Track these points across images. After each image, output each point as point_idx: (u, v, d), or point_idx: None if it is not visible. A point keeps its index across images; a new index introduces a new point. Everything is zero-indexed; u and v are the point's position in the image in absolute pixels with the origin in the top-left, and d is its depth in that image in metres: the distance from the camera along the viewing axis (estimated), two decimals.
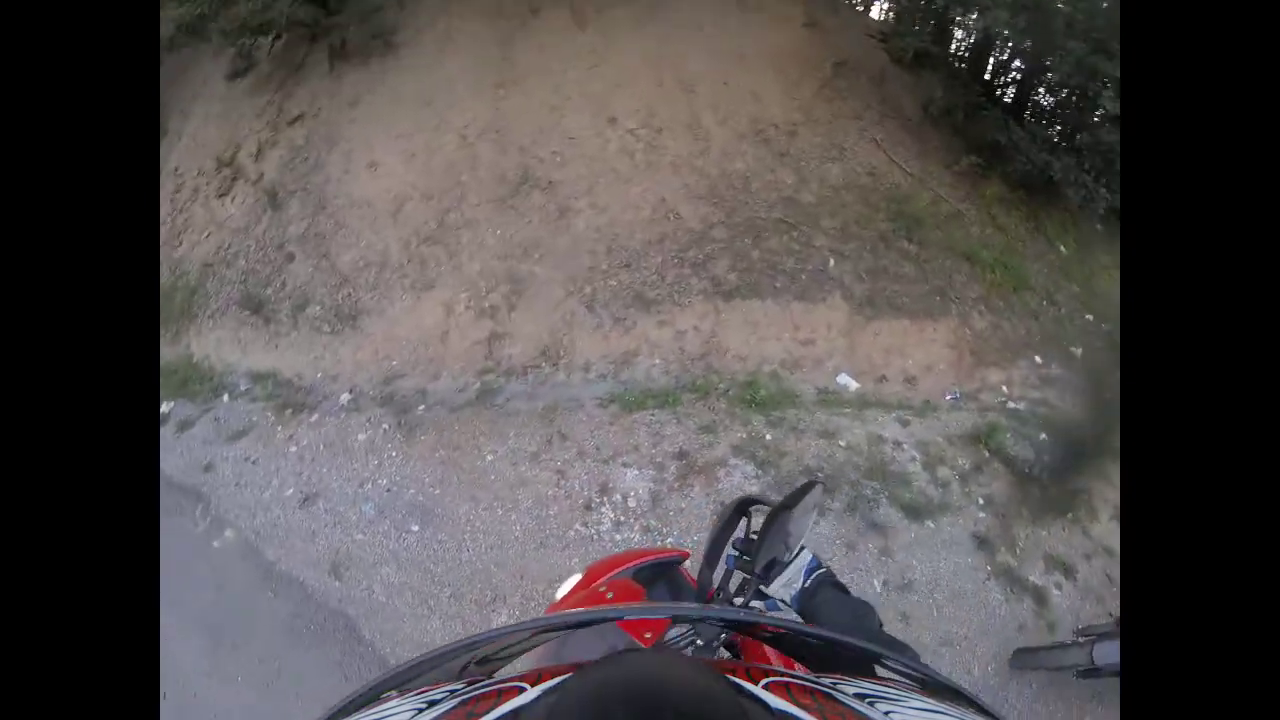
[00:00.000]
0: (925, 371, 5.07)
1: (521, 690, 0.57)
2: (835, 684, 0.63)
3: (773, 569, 1.27)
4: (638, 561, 1.95)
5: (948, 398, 4.92)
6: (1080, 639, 3.22)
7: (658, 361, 4.95)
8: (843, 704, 0.57)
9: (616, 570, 1.87)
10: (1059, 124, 7.81)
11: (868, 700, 0.59)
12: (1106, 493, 4.39)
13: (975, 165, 6.91)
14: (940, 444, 4.34)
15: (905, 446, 4.28)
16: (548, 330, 5.21)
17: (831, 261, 5.54)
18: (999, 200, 6.80)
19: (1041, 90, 8.08)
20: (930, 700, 0.63)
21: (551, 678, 0.59)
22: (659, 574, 1.83)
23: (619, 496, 4.02)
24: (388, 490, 4.30)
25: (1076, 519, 4.22)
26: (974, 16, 7.03)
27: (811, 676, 0.66)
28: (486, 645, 0.79)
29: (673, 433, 4.27)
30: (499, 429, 4.57)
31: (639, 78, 6.70)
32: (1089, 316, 6.25)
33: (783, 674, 0.63)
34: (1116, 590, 3.85)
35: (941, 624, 3.53)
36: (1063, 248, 6.98)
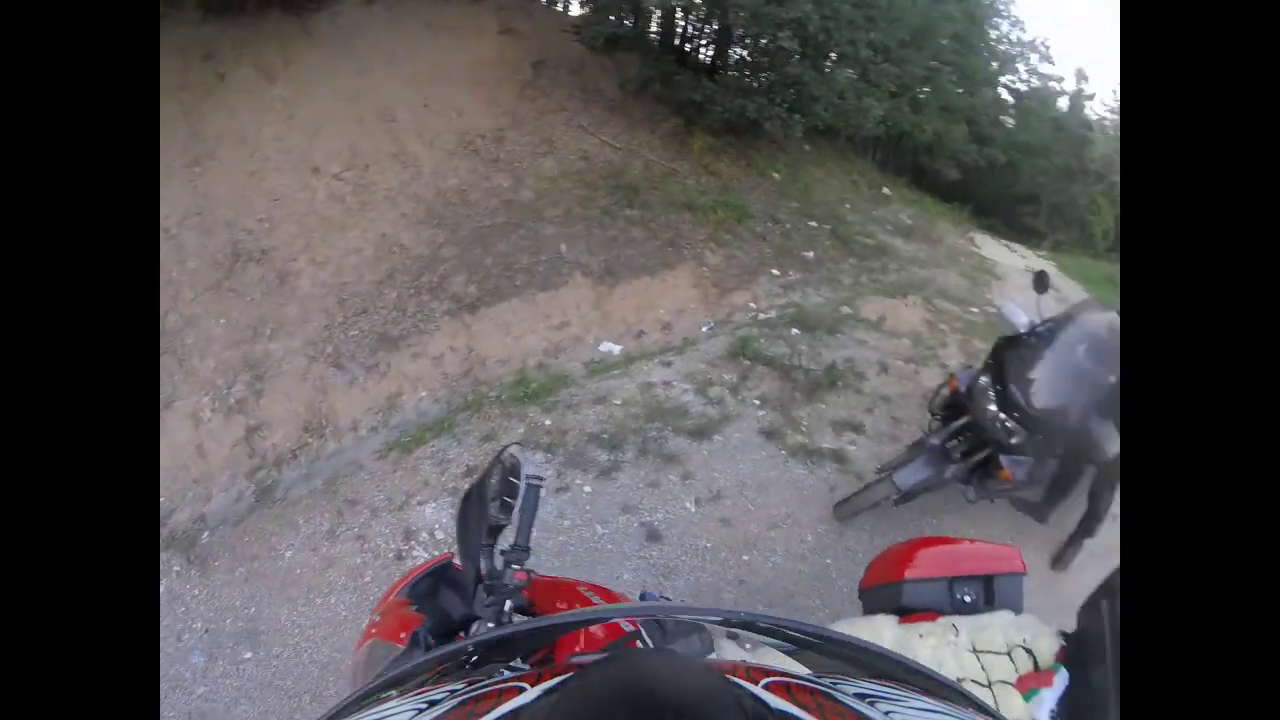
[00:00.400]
0: (678, 315, 5.40)
1: (521, 690, 0.56)
2: (835, 684, 0.62)
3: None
4: (407, 580, 1.89)
5: (703, 329, 5.27)
6: (880, 474, 3.53)
7: (424, 394, 4.81)
8: (843, 704, 0.57)
9: (389, 596, 1.81)
10: (751, 70, 8.70)
11: (868, 700, 0.59)
12: (868, 356, 4.90)
13: (678, 125, 7.51)
14: (704, 370, 4.62)
15: (674, 383, 4.51)
16: (303, 404, 4.86)
17: (563, 246, 5.72)
18: (708, 150, 7.42)
19: (734, 46, 8.99)
20: (930, 700, 0.63)
21: (551, 678, 0.58)
22: (437, 582, 1.77)
23: (425, 534, 3.83)
24: (206, 632, 3.79)
25: (846, 384, 4.68)
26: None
27: (811, 676, 0.65)
28: (486, 645, 0.78)
29: (456, 455, 4.16)
30: (288, 521, 4.20)
31: (338, 120, 6.54)
32: (811, 223, 7.01)
33: (783, 674, 0.62)
34: (904, 427, 4.29)
35: (762, 513, 3.72)
36: (775, 174, 7.77)
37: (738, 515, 3.70)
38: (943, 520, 3.75)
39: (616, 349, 5.16)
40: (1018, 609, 1.89)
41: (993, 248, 9.87)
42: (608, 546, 3.55)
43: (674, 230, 6.08)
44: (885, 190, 9.81)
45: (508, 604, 1.22)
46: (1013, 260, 9.65)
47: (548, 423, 4.28)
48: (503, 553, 1.29)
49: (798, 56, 7.41)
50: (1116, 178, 14.44)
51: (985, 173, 13.06)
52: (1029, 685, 1.62)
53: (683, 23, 9.18)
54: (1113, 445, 3.01)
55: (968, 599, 1.91)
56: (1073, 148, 14.19)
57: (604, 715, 0.46)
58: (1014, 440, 3.13)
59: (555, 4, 10.39)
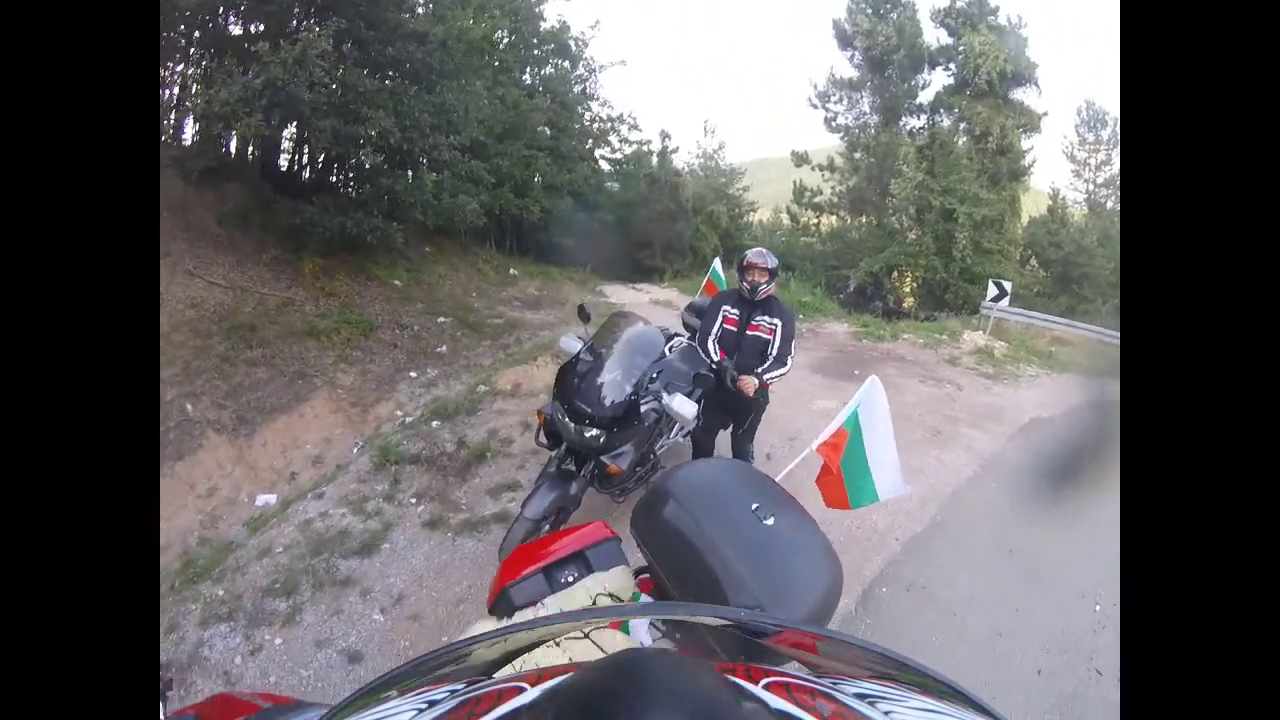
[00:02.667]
0: (326, 445, 5.32)
1: (521, 690, 0.56)
2: (835, 684, 0.62)
3: None
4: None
5: (354, 450, 5.26)
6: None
7: None
8: (843, 704, 0.56)
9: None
10: (347, 188, 8.88)
11: (868, 700, 0.59)
12: (509, 421, 5.29)
13: (286, 253, 7.42)
14: (356, 488, 4.61)
15: (330, 512, 4.43)
16: None
17: (189, 407, 5.31)
18: (320, 272, 7.42)
19: (330, 167, 9.08)
20: (930, 700, 0.63)
21: (551, 678, 0.57)
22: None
23: None
24: None
25: (495, 452, 5.01)
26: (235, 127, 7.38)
27: (812, 676, 0.65)
28: (487, 645, 0.76)
29: None
30: None
31: None
32: (440, 319, 7.36)
33: (783, 674, 0.61)
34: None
35: (446, 595, 3.81)
36: (396, 281, 8.02)
37: (424, 608, 3.74)
38: (618, 524, 4.18)
39: (273, 499, 4.92)
40: (618, 565, 2.07)
41: (621, 293, 11.23)
42: (317, 685, 3.34)
43: (300, 361, 5.98)
44: (512, 270, 10.63)
45: None
46: (638, 297, 11.12)
47: (220, 593, 3.90)
48: None
49: (385, 168, 7.90)
50: (712, 208, 17.57)
51: (601, 232, 14.98)
52: (620, 622, 1.71)
53: (286, 149, 9.21)
54: (689, 408, 3.45)
55: (570, 579, 2.04)
56: (669, 195, 16.67)
57: (604, 715, 0.45)
58: (602, 441, 3.45)
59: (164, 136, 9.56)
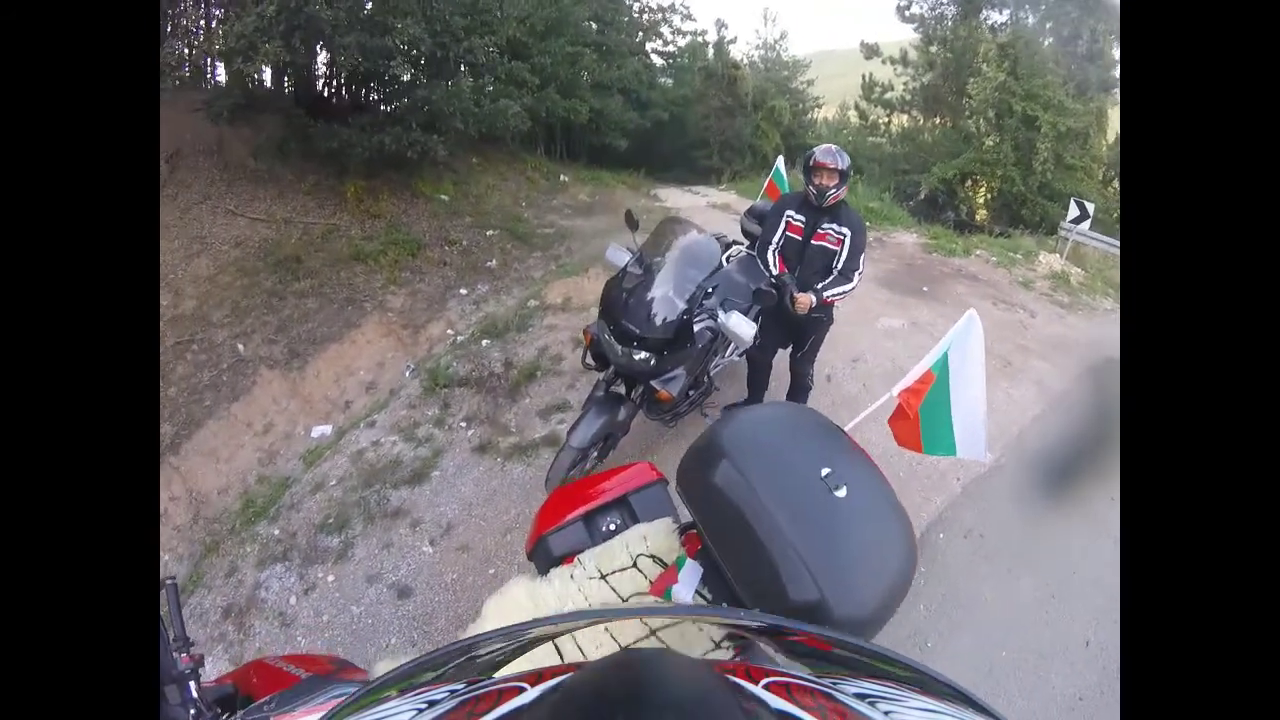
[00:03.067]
0: (379, 370, 5.30)
1: (521, 690, 0.56)
2: (835, 684, 0.62)
3: None
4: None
5: (406, 374, 5.22)
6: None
7: (165, 558, 4.29)
8: (843, 704, 0.56)
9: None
10: (384, 103, 8.60)
11: (868, 700, 0.59)
12: (560, 337, 5.14)
13: (327, 178, 7.28)
14: (407, 414, 4.60)
15: (381, 440, 4.44)
16: None
17: (240, 347, 5.36)
18: (364, 194, 7.28)
19: (364, 85, 8.80)
20: (930, 700, 0.63)
21: (552, 677, 0.57)
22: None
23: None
24: None
25: (544, 371, 4.90)
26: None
27: (812, 676, 0.65)
28: (487, 645, 0.76)
29: (212, 602, 3.74)
30: None
31: None
32: (489, 233, 7.17)
33: (783, 674, 0.61)
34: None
35: (495, 525, 3.79)
36: (443, 196, 7.82)
37: (473, 537, 3.75)
38: (670, 447, 4.10)
39: (329, 429, 4.96)
40: (664, 512, 1.91)
41: (676, 196, 10.77)
42: (367, 622, 3.44)
43: (348, 287, 5.92)
44: (562, 176, 10.27)
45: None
46: (695, 201, 10.63)
47: (276, 533, 4.02)
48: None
49: (420, 79, 7.53)
50: (774, 103, 16.49)
51: (654, 132, 14.29)
52: (663, 587, 1.67)
53: (321, 75, 8.87)
54: (748, 329, 3.18)
55: (612, 526, 1.92)
56: (726, 89, 15.73)
57: (604, 715, 0.46)
58: (652, 364, 3.20)
59: (187, 83, 9.41)
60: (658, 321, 3.17)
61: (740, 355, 4.20)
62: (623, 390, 3.52)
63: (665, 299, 3.21)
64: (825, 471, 1.56)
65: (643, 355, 3.18)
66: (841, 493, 1.54)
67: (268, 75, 8.56)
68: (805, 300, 3.49)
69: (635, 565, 1.73)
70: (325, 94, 8.90)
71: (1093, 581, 3.67)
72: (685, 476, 1.71)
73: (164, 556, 4.42)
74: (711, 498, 1.60)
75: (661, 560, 1.76)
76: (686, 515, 1.87)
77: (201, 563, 4.16)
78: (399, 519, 3.92)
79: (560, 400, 4.64)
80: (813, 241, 3.59)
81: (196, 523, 4.57)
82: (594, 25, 13.50)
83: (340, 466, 4.35)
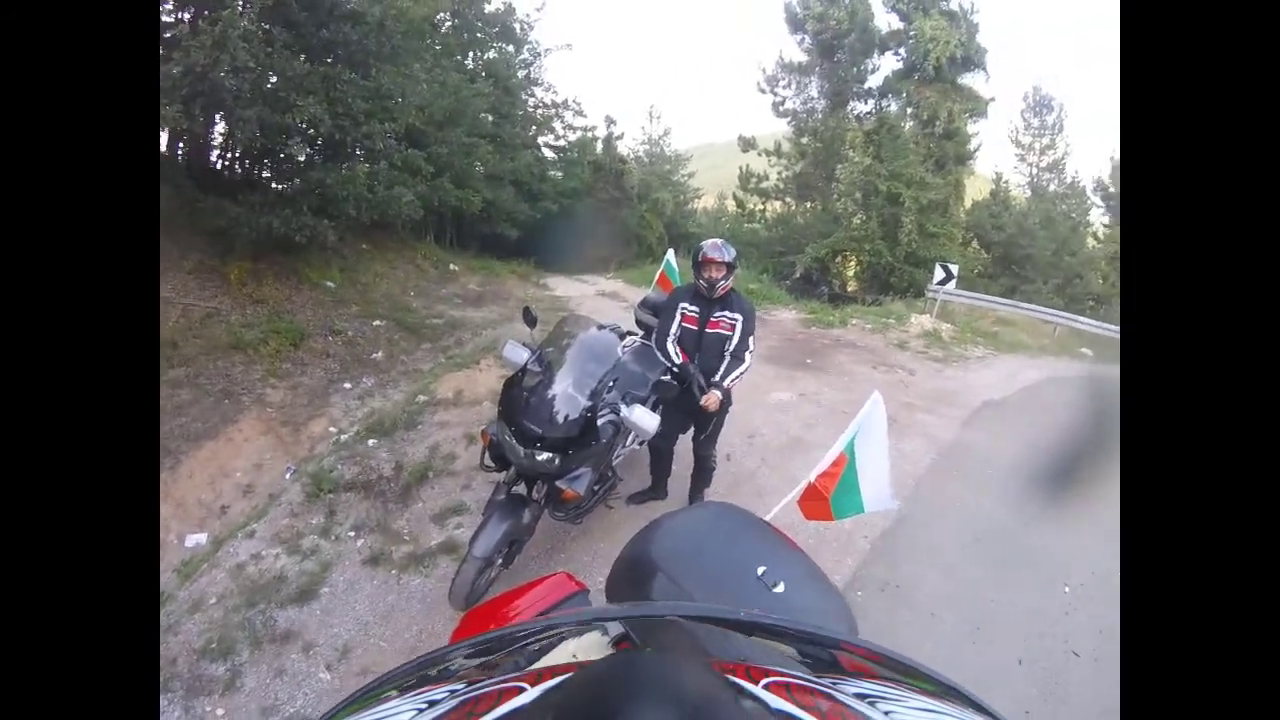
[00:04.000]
0: (257, 471, 4.91)
1: (521, 690, 0.56)
2: (835, 684, 0.62)
3: None
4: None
5: (287, 476, 4.88)
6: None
7: None
8: (843, 704, 0.56)
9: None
10: (277, 182, 8.27)
11: (868, 700, 0.58)
12: (453, 434, 4.97)
13: (210, 257, 6.87)
14: (288, 523, 4.27)
15: (263, 553, 4.07)
16: None
17: None
18: (248, 276, 6.91)
19: (258, 161, 8.43)
20: (930, 700, 0.63)
21: (552, 678, 0.57)
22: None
23: None
24: None
25: (437, 471, 4.73)
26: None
27: (812, 676, 0.64)
28: (487, 646, 0.82)
29: None
30: None
31: None
32: (376, 323, 6.96)
33: (783, 674, 0.61)
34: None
35: (395, 644, 3.54)
36: (329, 283, 7.55)
37: (373, 659, 3.45)
38: (576, 545, 4.02)
39: (204, 538, 4.49)
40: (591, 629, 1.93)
41: (565, 285, 10.97)
42: None
43: (226, 378, 5.52)
44: (452, 265, 10.24)
45: None
46: (584, 289, 10.87)
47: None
48: None
49: (317, 160, 7.38)
50: (658, 195, 17.37)
51: (545, 223, 14.66)
52: None
53: (216, 145, 8.50)
54: (650, 421, 3.22)
55: (535, 648, 1.88)
56: (614, 182, 16.52)
57: (604, 715, 0.45)
58: (556, 464, 3.13)
59: None
60: (560, 420, 3.14)
61: (640, 444, 4.26)
62: (524, 490, 3.43)
63: (567, 396, 3.20)
64: (760, 570, 1.59)
65: (546, 455, 3.13)
66: (780, 589, 1.56)
67: (164, 140, 8.16)
68: (714, 399, 3.66)
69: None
70: (219, 166, 8.51)
71: (1010, 607, 3.92)
72: (617, 593, 1.69)
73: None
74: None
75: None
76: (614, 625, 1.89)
77: None
78: (289, 642, 3.57)
79: (456, 503, 4.47)
80: (708, 330, 3.77)
81: None
82: (490, 118, 13.85)
83: (219, 582, 3.94)
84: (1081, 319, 11.96)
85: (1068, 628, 3.84)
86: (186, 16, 6.93)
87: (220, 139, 8.26)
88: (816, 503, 3.22)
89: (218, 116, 7.11)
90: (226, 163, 8.62)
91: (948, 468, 5.56)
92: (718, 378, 3.72)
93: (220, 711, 3.25)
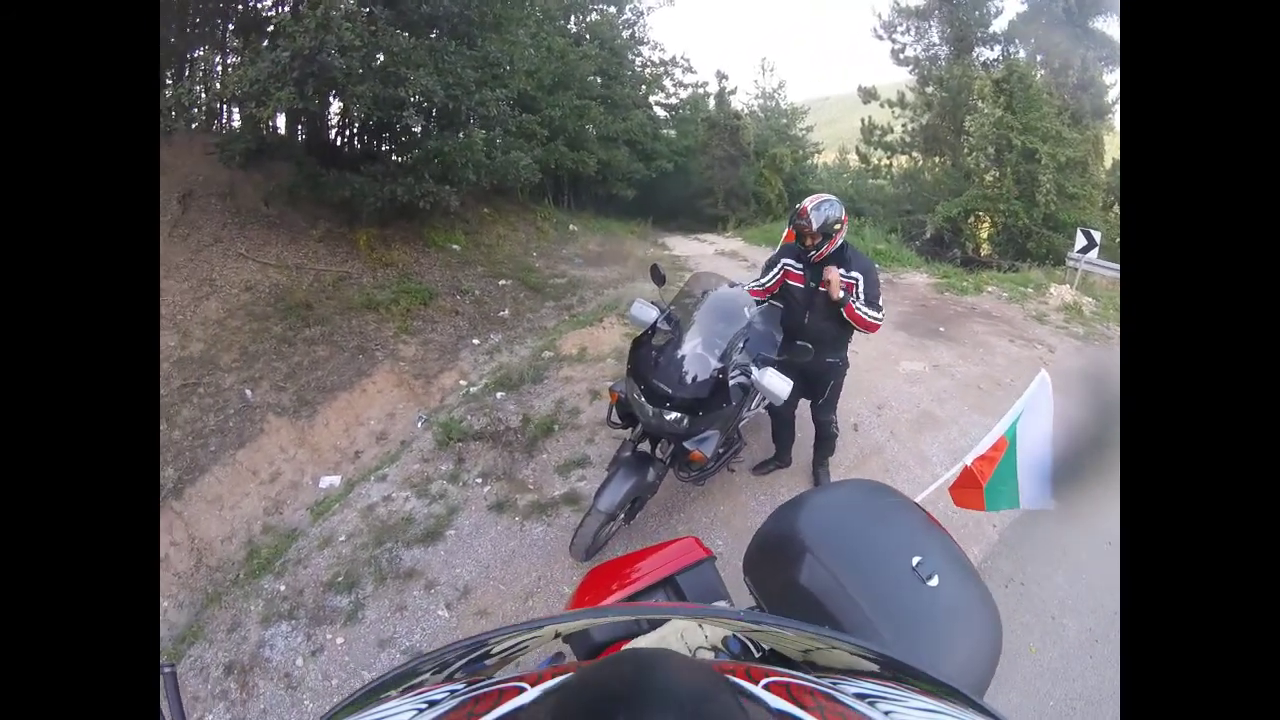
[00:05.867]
0: (389, 420, 5.18)
1: (521, 690, 0.56)
2: (835, 684, 0.62)
3: None
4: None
5: (418, 425, 5.09)
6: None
7: (165, 604, 4.15)
8: (843, 704, 0.56)
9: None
10: (397, 153, 8.67)
11: (868, 700, 0.58)
12: (577, 389, 5.03)
13: (339, 226, 7.29)
14: (420, 469, 4.44)
15: (393, 495, 4.27)
16: None
17: (248, 392, 5.24)
18: (376, 242, 7.28)
19: (379, 134, 8.88)
20: (930, 700, 0.62)
21: (552, 678, 0.57)
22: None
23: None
24: None
25: (562, 425, 4.76)
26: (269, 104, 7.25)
27: (812, 676, 0.64)
28: (487, 645, 0.76)
29: (214, 657, 3.48)
30: None
31: None
32: (501, 282, 7.14)
33: (783, 674, 0.61)
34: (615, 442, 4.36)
35: (514, 588, 3.60)
36: (455, 245, 7.83)
37: (491, 602, 3.56)
38: (696, 505, 3.95)
39: (337, 480, 4.82)
40: (715, 595, 1.80)
41: (683, 244, 10.83)
42: None
43: (360, 335, 5.84)
44: (571, 226, 10.34)
45: None
46: (703, 249, 10.66)
47: (282, 588, 3.82)
48: None
49: (433, 130, 7.60)
50: (775, 150, 16.75)
51: (659, 182, 14.51)
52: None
53: (333, 122, 8.96)
54: (783, 385, 3.06)
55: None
56: (729, 138, 16.00)
57: (604, 715, 0.45)
58: (685, 425, 3.07)
59: (201, 126, 9.50)
60: (690, 380, 3.05)
61: (765, 407, 4.08)
62: (649, 449, 3.38)
63: (697, 356, 3.10)
64: (916, 560, 1.48)
65: (675, 415, 3.05)
66: (934, 582, 1.46)
67: (281, 121, 8.67)
68: (833, 274, 3.30)
69: (694, 656, 1.56)
70: (338, 142, 8.98)
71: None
72: (757, 569, 1.62)
73: (164, 603, 4.27)
74: (792, 594, 1.49)
75: (723, 649, 1.58)
76: (743, 597, 1.75)
77: (203, 613, 3.96)
78: (412, 580, 3.73)
79: (580, 456, 4.49)
80: (818, 288, 3.39)
81: (198, 570, 4.41)
82: (599, 80, 13.83)
83: (350, 521, 4.18)
84: None
85: None
86: (287, 6, 7.24)
87: (337, 117, 8.66)
88: (970, 490, 2.93)
89: (332, 96, 7.43)
90: (345, 139, 9.06)
91: (1083, 455, 5.00)
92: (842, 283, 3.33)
93: (340, 640, 3.43)
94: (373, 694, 0.68)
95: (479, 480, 4.35)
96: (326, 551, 4.01)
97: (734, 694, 0.51)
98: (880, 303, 3.43)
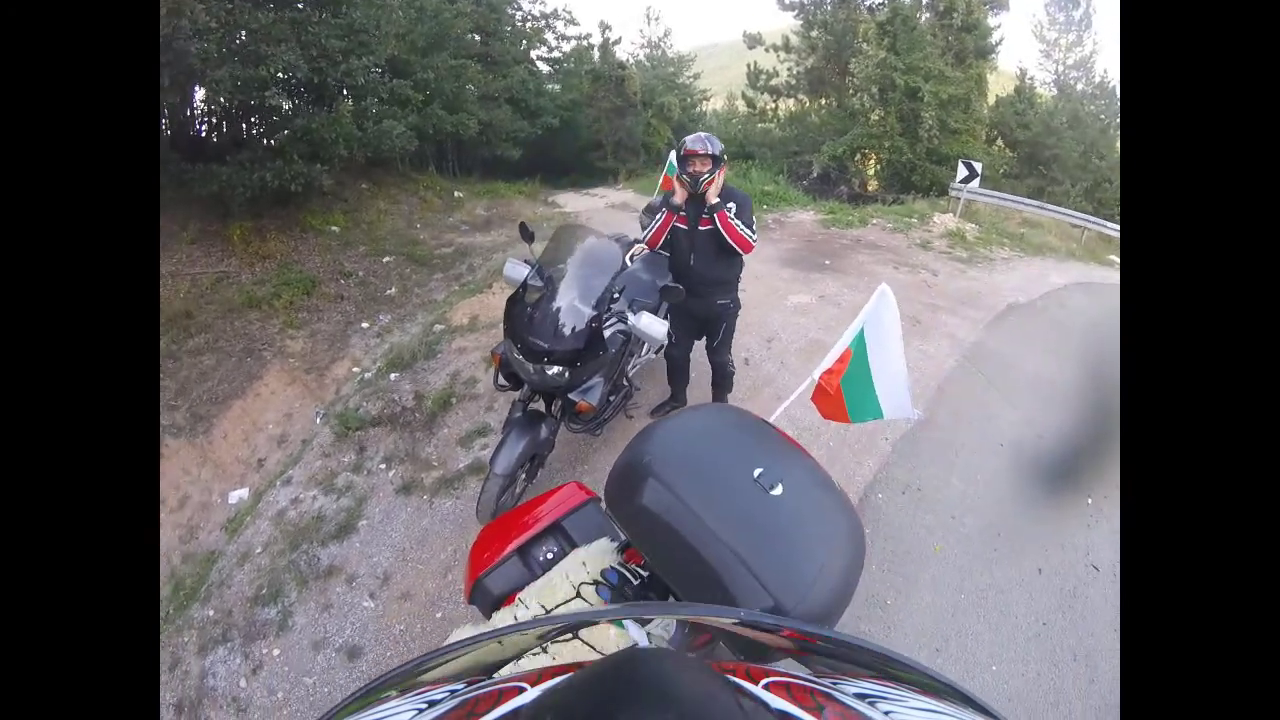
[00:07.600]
0: (287, 420, 5.01)
1: (521, 690, 0.55)
2: (835, 684, 0.62)
3: None
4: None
5: (316, 420, 4.97)
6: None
7: None
8: (843, 704, 0.56)
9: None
10: (265, 137, 8.14)
11: (868, 700, 0.58)
12: (471, 359, 5.02)
13: (206, 226, 6.85)
14: (321, 464, 4.37)
15: (300, 496, 4.19)
16: None
17: None
18: (251, 234, 6.89)
19: (242, 119, 8.27)
20: (930, 700, 0.62)
21: (552, 678, 0.57)
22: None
23: None
24: None
25: (460, 396, 4.79)
26: None
27: (812, 676, 0.64)
28: (486, 645, 0.75)
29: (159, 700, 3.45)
30: None
31: None
32: (385, 259, 6.91)
33: (783, 674, 0.61)
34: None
35: (432, 566, 3.64)
36: (334, 227, 7.49)
37: (413, 584, 3.60)
38: (599, 456, 4.05)
39: (245, 492, 4.65)
40: (600, 533, 1.88)
41: (574, 200, 10.73)
42: (323, 690, 3.26)
43: (245, 337, 5.58)
44: (456, 193, 10.05)
45: None
46: (594, 203, 10.61)
47: (211, 614, 3.73)
48: None
49: (300, 107, 7.21)
50: (662, 100, 16.63)
51: (546, 139, 14.21)
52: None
53: (199, 113, 8.30)
54: (658, 328, 3.15)
55: (549, 555, 1.86)
56: (615, 90, 15.77)
57: (604, 715, 0.45)
58: (566, 378, 3.11)
59: None
60: (566, 333, 3.08)
61: (657, 353, 4.20)
62: (542, 407, 3.43)
63: (571, 308, 3.13)
64: (757, 472, 1.54)
65: (556, 369, 3.09)
66: (777, 491, 1.52)
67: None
68: (713, 184, 3.43)
69: (579, 594, 1.66)
70: (205, 134, 8.37)
71: (1030, 514, 3.91)
72: (614, 498, 1.67)
73: None
74: (643, 518, 1.55)
75: (605, 584, 1.68)
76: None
77: None
78: (333, 577, 3.72)
79: (480, 425, 4.51)
80: (700, 228, 3.53)
81: None
82: (477, 37, 13.27)
83: (263, 531, 4.09)
84: (1111, 224, 11.32)
85: (1089, 540, 3.80)
86: None
87: (202, 106, 8.08)
88: (829, 402, 3.13)
89: (194, 85, 6.95)
90: (211, 128, 8.44)
91: (971, 371, 5.44)
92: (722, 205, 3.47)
93: (276, 652, 3.41)
94: (373, 694, 0.68)
95: (383, 466, 4.32)
96: (246, 566, 3.94)
97: (734, 694, 0.51)
98: (754, 227, 3.56)
